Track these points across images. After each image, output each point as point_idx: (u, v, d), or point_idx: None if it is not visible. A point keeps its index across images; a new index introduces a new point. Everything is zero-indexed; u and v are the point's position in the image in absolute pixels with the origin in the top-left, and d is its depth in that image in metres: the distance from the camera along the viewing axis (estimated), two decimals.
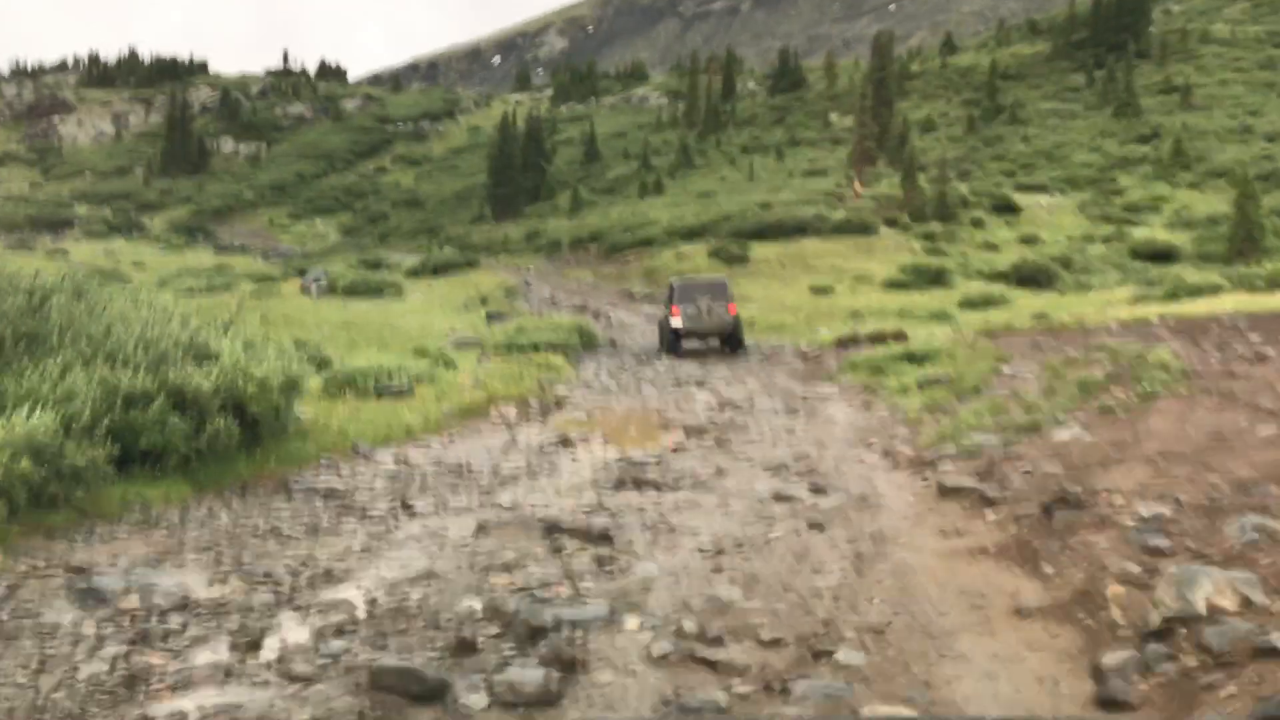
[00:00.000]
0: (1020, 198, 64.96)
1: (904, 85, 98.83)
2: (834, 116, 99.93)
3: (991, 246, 54.06)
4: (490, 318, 39.76)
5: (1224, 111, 79.14)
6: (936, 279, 43.91)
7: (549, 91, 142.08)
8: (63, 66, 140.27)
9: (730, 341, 29.16)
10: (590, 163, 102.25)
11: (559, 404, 18.89)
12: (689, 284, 30.03)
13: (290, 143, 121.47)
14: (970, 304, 38.17)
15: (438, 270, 57.28)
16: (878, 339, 27.82)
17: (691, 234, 55.58)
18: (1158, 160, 70.56)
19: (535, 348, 27.78)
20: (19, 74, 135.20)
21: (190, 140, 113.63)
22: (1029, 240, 55.58)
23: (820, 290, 42.85)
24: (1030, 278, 43.68)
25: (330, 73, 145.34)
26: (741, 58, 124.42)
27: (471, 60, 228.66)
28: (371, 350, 29.75)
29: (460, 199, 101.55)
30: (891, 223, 56.11)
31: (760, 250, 50.34)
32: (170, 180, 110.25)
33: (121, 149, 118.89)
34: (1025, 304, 38.00)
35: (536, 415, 17.08)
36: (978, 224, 60.16)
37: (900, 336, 27.44)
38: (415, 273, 57.85)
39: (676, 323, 28.83)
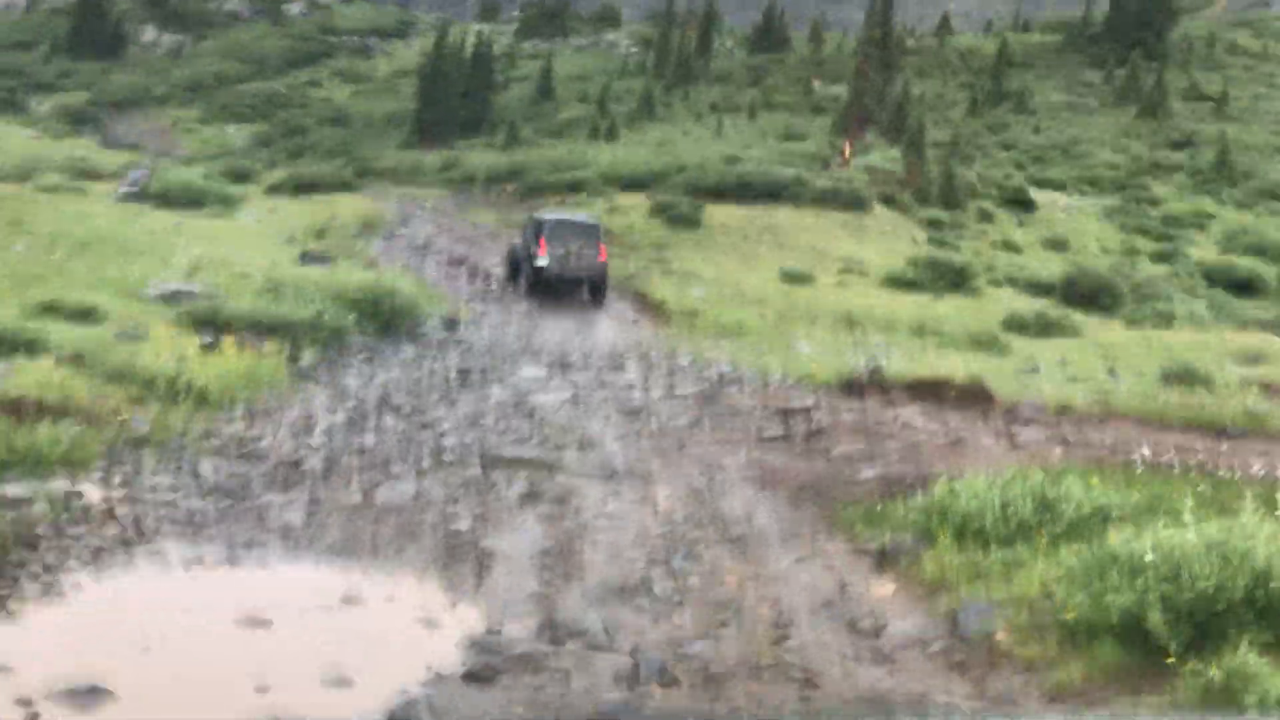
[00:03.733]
0: (1036, 194, 51.21)
1: (898, 60, 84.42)
2: (817, 84, 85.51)
3: (1012, 247, 40.14)
4: (307, 259, 25.23)
5: (1265, 126, 65.63)
6: (958, 281, 29.83)
7: (515, 25, 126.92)
8: None
9: (595, 291, 25.17)
10: (542, 101, 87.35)
11: None
12: (561, 222, 25.93)
13: (219, 40, 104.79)
14: (1021, 326, 24.16)
15: (301, 189, 42.38)
16: (929, 389, 13.64)
17: (634, 183, 41.16)
18: (1195, 171, 57.00)
19: (272, 328, 13.41)
20: None
21: (104, 22, 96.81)
22: (1056, 245, 41.74)
23: (797, 278, 28.59)
24: (1088, 296, 29.72)
25: None
26: (723, 13, 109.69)
27: None
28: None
29: (392, 122, 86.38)
30: (889, 201, 41.95)
31: (719, 214, 36.05)
32: (74, 63, 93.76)
33: (29, 23, 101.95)
34: (1106, 338, 24.09)
35: None
36: (987, 217, 46.22)
37: (981, 393, 13.25)
38: (276, 189, 43.05)
39: (542, 262, 24.56)
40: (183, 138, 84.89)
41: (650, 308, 24.81)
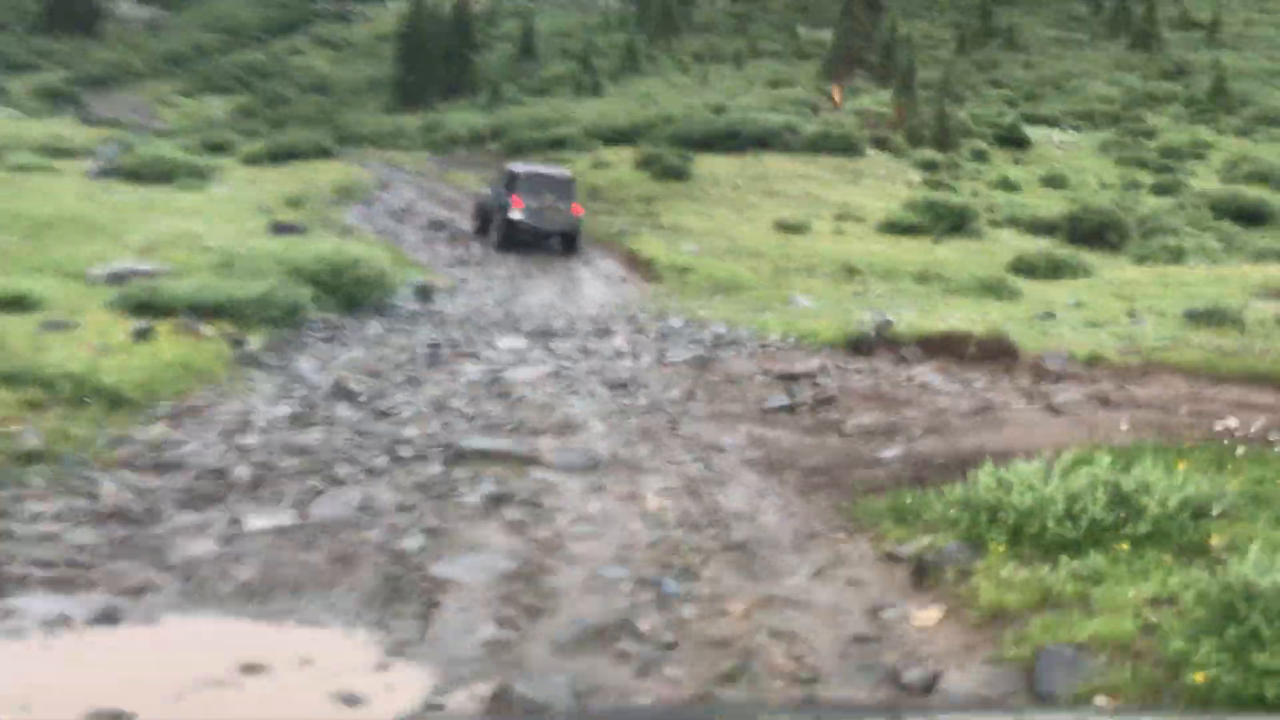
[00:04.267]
0: (1030, 131, 49.67)
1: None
2: (802, 30, 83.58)
3: (1010, 186, 38.61)
4: (278, 230, 23.74)
5: (1259, 52, 63.86)
6: (958, 224, 28.32)
7: None
8: None
9: (567, 244, 24.65)
10: (524, 60, 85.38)
11: None
12: (534, 175, 24.95)
13: (196, 12, 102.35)
14: (1028, 270, 22.74)
15: (278, 158, 40.83)
16: (945, 344, 12.27)
17: (619, 137, 39.60)
18: (1191, 100, 55.36)
19: (218, 309, 12.00)
20: None
21: None
22: (1054, 182, 40.26)
23: (792, 228, 27.12)
24: (1093, 233, 28.24)
25: None
26: None
27: None
28: None
29: (374, 87, 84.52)
30: (881, 144, 40.41)
31: (708, 165, 34.51)
32: (50, 42, 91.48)
33: (5, 3, 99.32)
34: (1118, 276, 22.75)
35: None
36: (981, 157, 44.70)
37: (1003, 347, 11.88)
38: (253, 159, 41.45)
39: (516, 214, 24.01)
40: (164, 112, 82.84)
41: (639, 265, 23.43)
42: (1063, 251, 24.86)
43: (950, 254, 24.79)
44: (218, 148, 46.87)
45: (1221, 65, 56.69)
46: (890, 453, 7.88)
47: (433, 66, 74.83)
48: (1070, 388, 9.91)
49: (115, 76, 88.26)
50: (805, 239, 26.22)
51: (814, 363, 11.66)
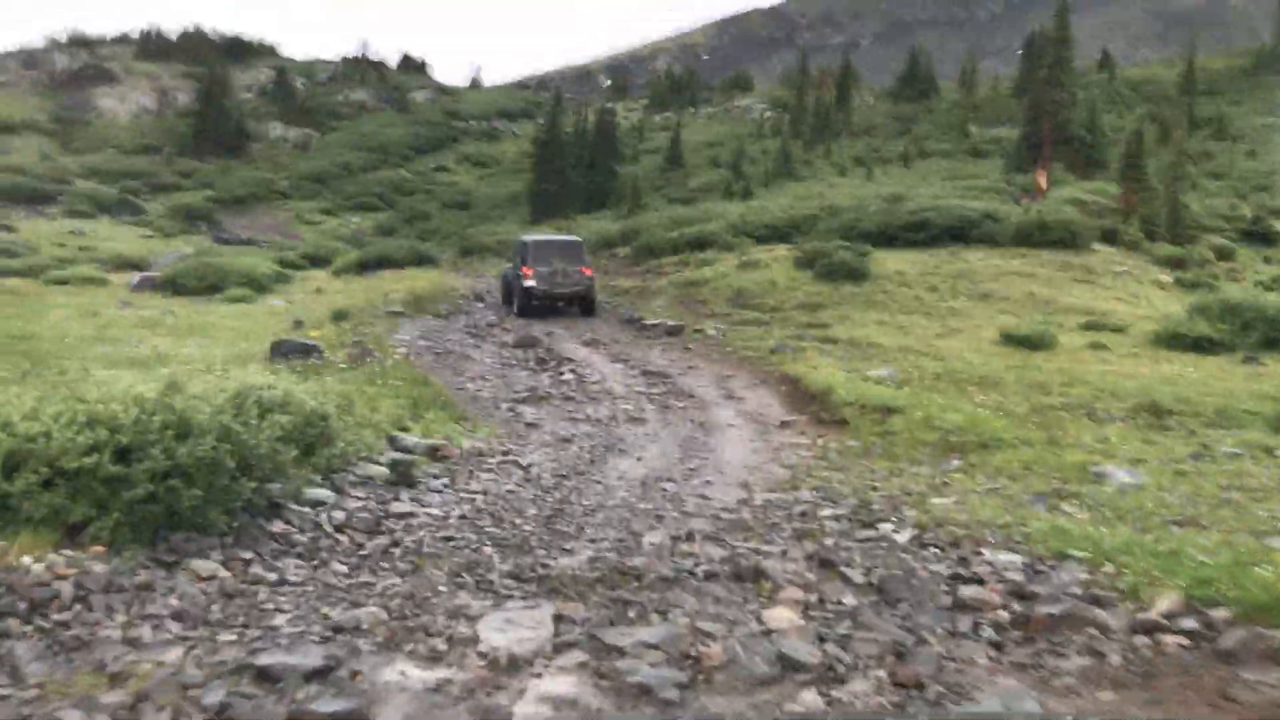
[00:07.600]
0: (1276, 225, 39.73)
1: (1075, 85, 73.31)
2: (974, 128, 74.86)
3: None
4: (280, 352, 16.08)
5: None
6: (1274, 337, 19.01)
7: (644, 102, 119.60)
8: (122, 39, 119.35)
9: (583, 305, 24.53)
10: (671, 170, 78.56)
11: None
12: (543, 243, 25.23)
13: (345, 131, 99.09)
14: None
15: (368, 268, 33.87)
16: None
17: (772, 235, 31.40)
18: None
19: None
20: (75, 43, 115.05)
21: (227, 120, 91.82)
22: None
23: (1026, 342, 18.27)
24: None
25: (412, 67, 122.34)
26: (859, 71, 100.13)
27: (581, 80, 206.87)
28: None
29: (514, 201, 78.84)
30: (1111, 236, 31.18)
31: (889, 262, 25.95)
32: (198, 163, 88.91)
33: (159, 127, 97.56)
34: None
35: None
36: (1225, 254, 35.03)
37: None
38: (342, 270, 34.62)
39: (530, 282, 23.96)
40: (303, 229, 78.48)
41: (807, 400, 14.82)
42: None
43: None
44: (318, 260, 40.63)
45: None
46: None
47: (570, 177, 68.57)
48: None
49: (257, 195, 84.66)
50: (1052, 359, 17.28)
51: None
